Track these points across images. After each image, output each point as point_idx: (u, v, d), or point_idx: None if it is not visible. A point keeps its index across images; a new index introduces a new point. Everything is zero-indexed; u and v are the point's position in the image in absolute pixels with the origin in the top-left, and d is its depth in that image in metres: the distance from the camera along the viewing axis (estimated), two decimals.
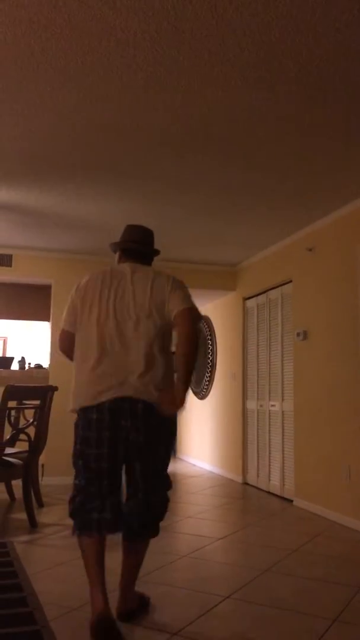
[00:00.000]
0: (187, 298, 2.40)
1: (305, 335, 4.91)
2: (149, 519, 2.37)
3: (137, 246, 2.59)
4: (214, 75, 2.62)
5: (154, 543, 3.53)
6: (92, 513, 2.27)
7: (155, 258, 2.71)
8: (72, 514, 2.33)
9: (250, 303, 6.21)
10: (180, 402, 2.29)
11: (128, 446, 2.28)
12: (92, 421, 2.30)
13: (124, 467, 2.35)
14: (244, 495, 5.44)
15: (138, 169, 3.76)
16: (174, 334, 2.40)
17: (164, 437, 2.37)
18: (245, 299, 6.32)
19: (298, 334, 5.00)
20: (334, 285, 4.52)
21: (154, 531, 2.42)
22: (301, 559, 3.31)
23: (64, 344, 2.63)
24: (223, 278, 6.51)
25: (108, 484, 2.29)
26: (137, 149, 3.45)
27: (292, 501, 4.99)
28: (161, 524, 2.46)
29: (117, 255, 2.64)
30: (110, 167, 3.73)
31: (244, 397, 6.21)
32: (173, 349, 2.38)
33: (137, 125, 3.14)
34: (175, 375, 2.34)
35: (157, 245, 2.78)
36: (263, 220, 4.82)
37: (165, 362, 2.34)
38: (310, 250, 4.91)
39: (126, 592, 2.39)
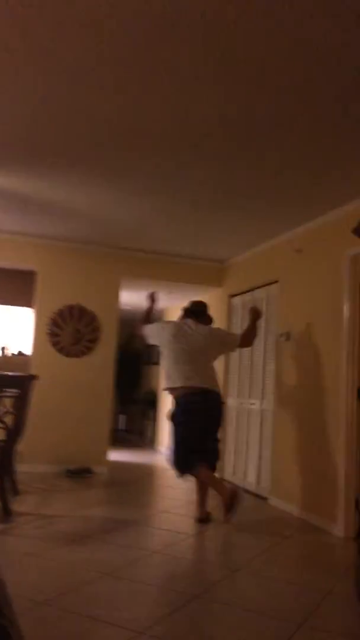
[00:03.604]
0: (233, 333, 5.06)
1: (288, 336, 4.93)
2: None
3: (197, 310, 4.59)
4: (204, 73, 2.60)
5: (126, 537, 3.54)
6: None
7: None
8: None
9: (236, 301, 6.22)
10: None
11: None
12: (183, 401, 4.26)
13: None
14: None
15: (126, 162, 3.72)
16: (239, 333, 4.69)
17: (219, 412, 4.28)
18: (231, 296, 6.32)
19: (281, 335, 5.01)
20: (320, 289, 4.54)
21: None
22: (272, 559, 3.34)
23: (142, 335, 4.64)
24: (210, 274, 6.51)
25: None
26: (126, 142, 3.41)
27: (266, 499, 5.03)
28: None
29: (183, 315, 4.59)
30: (98, 157, 3.69)
31: (225, 394, 6.22)
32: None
33: (126, 118, 3.10)
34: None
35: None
36: (252, 218, 4.82)
37: (210, 371, 4.32)
38: (298, 251, 4.91)
39: (204, 502, 4.14)
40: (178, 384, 4.22)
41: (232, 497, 3.95)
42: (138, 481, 5.83)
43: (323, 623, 2.46)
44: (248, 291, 5.92)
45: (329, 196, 4.12)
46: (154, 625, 2.31)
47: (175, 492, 5.25)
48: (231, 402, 6.08)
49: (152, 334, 4.54)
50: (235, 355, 6.08)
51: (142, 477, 6.17)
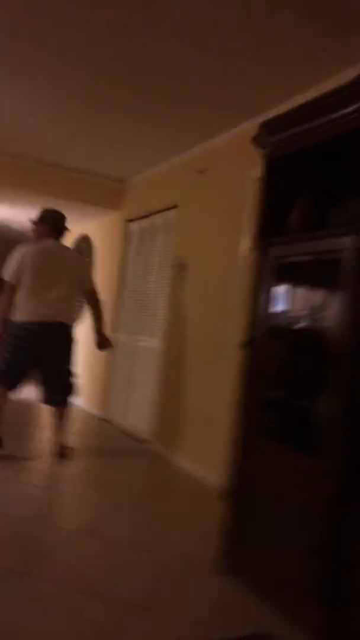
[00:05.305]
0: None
1: (183, 268, 4.41)
2: None
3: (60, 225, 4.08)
4: None
5: None
6: None
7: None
8: None
9: (133, 226, 5.59)
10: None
11: None
12: None
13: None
14: (99, 434, 5.06)
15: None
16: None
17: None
18: (129, 221, 5.67)
19: (176, 267, 4.49)
20: (220, 216, 4.01)
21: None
22: (130, 516, 2.94)
23: None
24: (107, 194, 5.77)
25: None
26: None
27: (145, 442, 4.64)
28: None
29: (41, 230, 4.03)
30: None
31: (116, 329, 5.70)
32: None
33: None
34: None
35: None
36: (154, 126, 4.09)
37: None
38: (201, 172, 4.32)
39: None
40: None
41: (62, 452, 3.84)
42: None
43: (162, 604, 2.05)
44: (145, 216, 5.30)
45: (237, 107, 3.52)
46: None
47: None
48: (123, 337, 5.57)
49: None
50: (129, 286, 5.53)
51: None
